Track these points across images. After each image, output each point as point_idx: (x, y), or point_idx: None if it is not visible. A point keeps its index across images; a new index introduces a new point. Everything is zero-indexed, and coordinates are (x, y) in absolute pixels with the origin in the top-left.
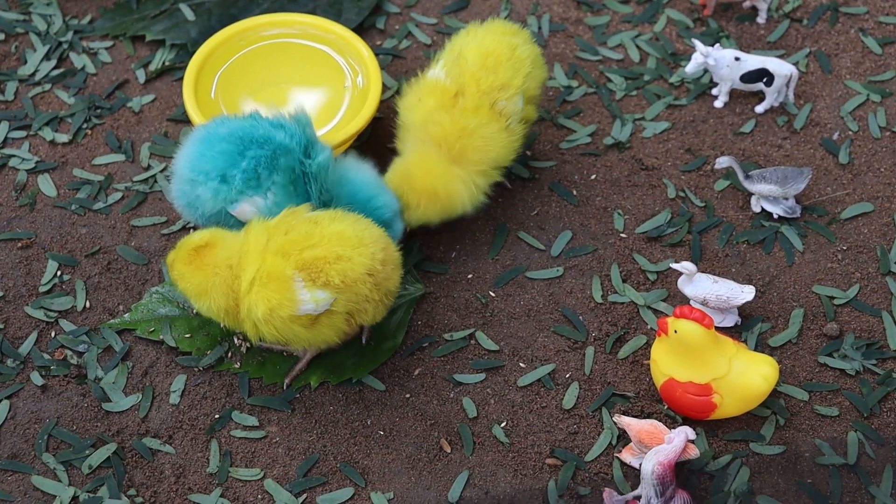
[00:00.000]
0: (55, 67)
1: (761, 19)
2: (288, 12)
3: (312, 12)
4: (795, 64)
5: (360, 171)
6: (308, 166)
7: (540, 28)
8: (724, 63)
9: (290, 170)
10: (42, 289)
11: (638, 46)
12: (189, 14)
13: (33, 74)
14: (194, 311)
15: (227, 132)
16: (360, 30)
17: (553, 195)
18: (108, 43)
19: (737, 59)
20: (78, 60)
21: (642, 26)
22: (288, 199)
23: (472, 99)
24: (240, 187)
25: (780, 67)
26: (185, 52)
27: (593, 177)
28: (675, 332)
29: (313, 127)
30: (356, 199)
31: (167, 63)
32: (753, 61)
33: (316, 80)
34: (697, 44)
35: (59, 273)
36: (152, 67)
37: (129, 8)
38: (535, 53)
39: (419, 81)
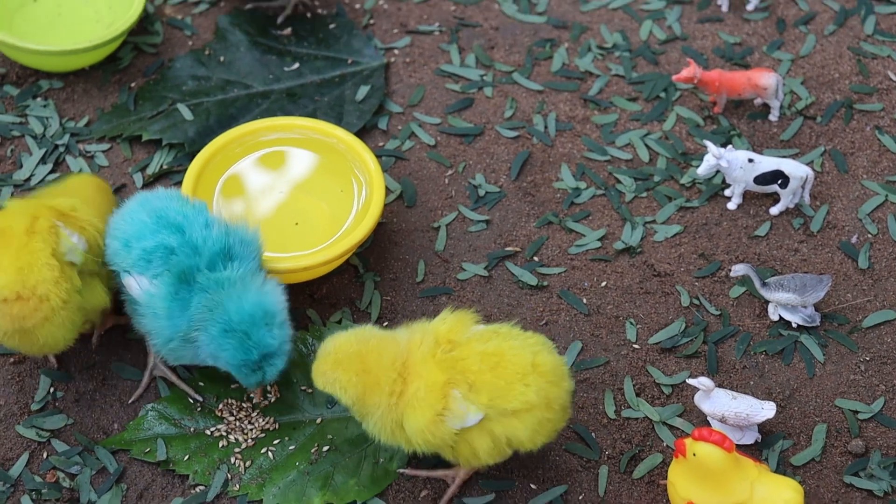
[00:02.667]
0: (51, 171)
1: (773, 117)
2: (288, 115)
3: (313, 114)
4: (810, 163)
5: (264, 295)
6: (203, 278)
7: (546, 127)
8: (737, 165)
9: (180, 272)
10: (34, 406)
11: (647, 146)
12: (187, 114)
13: (29, 179)
14: (192, 431)
15: (157, 206)
16: (363, 131)
17: (562, 303)
18: (105, 146)
19: (750, 160)
20: (74, 164)
21: (651, 124)
22: (167, 299)
23: None
24: (133, 261)
25: (796, 169)
26: (183, 153)
27: (604, 284)
28: (694, 454)
29: (252, 246)
30: (239, 318)
31: (165, 166)
32: (767, 163)
33: (319, 187)
34: (709, 145)
35: (52, 390)
36: (150, 171)
37: (126, 109)
38: None
39: None
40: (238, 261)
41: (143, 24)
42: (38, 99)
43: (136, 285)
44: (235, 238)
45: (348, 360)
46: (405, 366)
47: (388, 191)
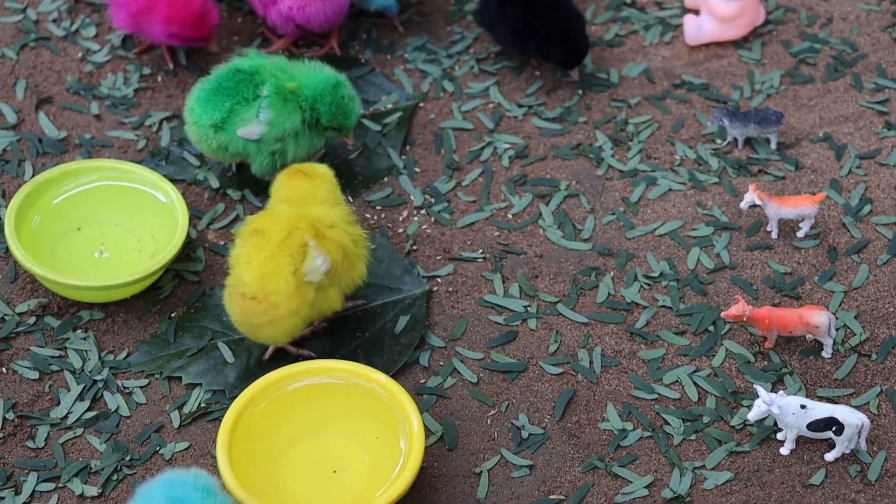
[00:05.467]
0: (88, 409)
1: (826, 354)
2: (328, 353)
3: (354, 351)
4: (866, 405)
5: None
6: None
7: (591, 363)
8: (789, 411)
9: None
10: None
11: (696, 383)
12: (228, 355)
13: (65, 417)
14: None
15: (176, 494)
16: (404, 367)
17: None
18: (144, 381)
19: (802, 406)
20: (112, 401)
21: (700, 360)
22: None
23: None
24: None
25: (851, 416)
26: (223, 394)
27: None
28: None
29: None
30: None
31: (203, 404)
32: (821, 409)
33: (358, 433)
34: (760, 390)
35: None
36: (187, 409)
37: (166, 341)
38: None
39: None
40: None
41: (186, 250)
42: (79, 331)
43: None
44: None
45: None
46: None
47: (429, 432)
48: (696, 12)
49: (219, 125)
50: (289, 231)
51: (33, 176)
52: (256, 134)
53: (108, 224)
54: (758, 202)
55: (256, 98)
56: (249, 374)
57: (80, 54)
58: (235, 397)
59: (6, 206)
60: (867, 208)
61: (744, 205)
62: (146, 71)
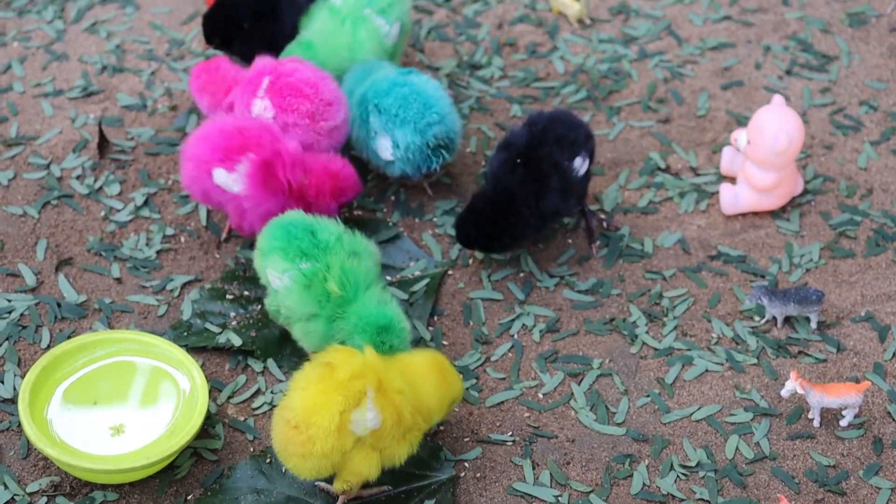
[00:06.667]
0: None
1: None
2: None
3: None
4: None
5: None
6: None
7: None
8: None
9: None
10: None
11: None
12: None
13: None
14: None
15: None
16: None
17: None
18: None
19: None
20: None
21: None
22: None
23: None
24: None
25: None
26: None
27: None
28: None
29: None
30: None
31: None
32: None
33: None
34: None
35: None
36: None
37: None
38: None
39: None
40: None
41: (205, 426)
42: None
43: None
44: None
45: None
46: None
47: None
48: (733, 180)
49: (263, 252)
50: (354, 375)
51: (50, 344)
52: (275, 284)
53: (126, 399)
54: (800, 391)
55: (294, 263)
56: None
57: (102, 213)
58: None
59: (22, 376)
60: None
61: (785, 393)
62: (169, 231)
